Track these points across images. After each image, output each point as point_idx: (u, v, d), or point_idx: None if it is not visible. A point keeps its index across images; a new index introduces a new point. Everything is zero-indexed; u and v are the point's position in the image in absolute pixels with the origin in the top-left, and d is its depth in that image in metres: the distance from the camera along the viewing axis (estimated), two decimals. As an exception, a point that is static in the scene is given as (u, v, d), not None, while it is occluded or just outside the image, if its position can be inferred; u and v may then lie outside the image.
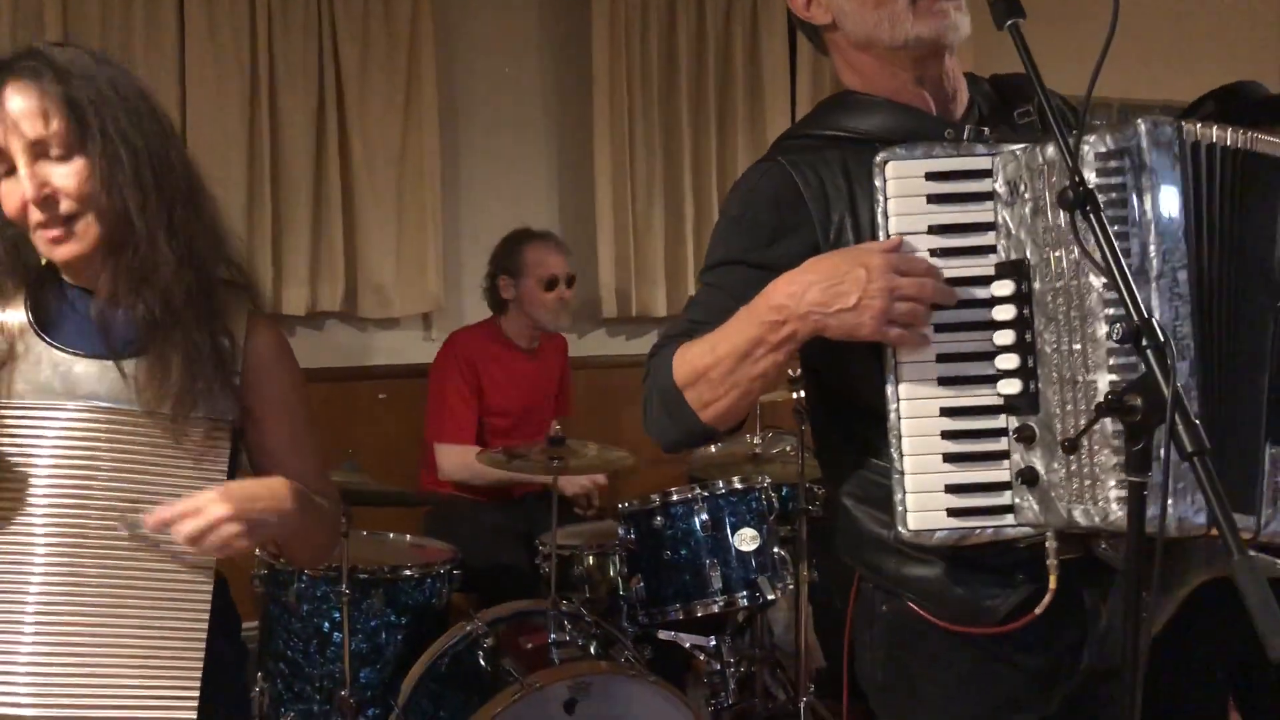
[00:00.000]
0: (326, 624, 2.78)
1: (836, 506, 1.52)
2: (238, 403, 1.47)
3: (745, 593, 2.86)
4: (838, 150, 1.43)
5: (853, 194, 1.40)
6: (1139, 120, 1.25)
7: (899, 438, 1.33)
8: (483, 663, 2.67)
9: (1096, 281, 1.24)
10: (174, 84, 3.60)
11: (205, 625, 1.42)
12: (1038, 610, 1.34)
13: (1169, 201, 1.24)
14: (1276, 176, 1.34)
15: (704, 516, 2.86)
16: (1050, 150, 1.28)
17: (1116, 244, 1.19)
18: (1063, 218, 1.25)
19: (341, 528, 1.66)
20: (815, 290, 1.30)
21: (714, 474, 3.34)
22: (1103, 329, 1.23)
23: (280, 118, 3.77)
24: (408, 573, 2.86)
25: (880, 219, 1.34)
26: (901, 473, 1.32)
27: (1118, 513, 1.21)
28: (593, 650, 2.70)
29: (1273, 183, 1.33)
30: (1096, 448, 1.23)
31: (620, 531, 2.94)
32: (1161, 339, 1.15)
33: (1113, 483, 1.22)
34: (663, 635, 2.92)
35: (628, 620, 2.91)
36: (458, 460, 3.45)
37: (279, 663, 2.82)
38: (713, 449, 3.64)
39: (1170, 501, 1.19)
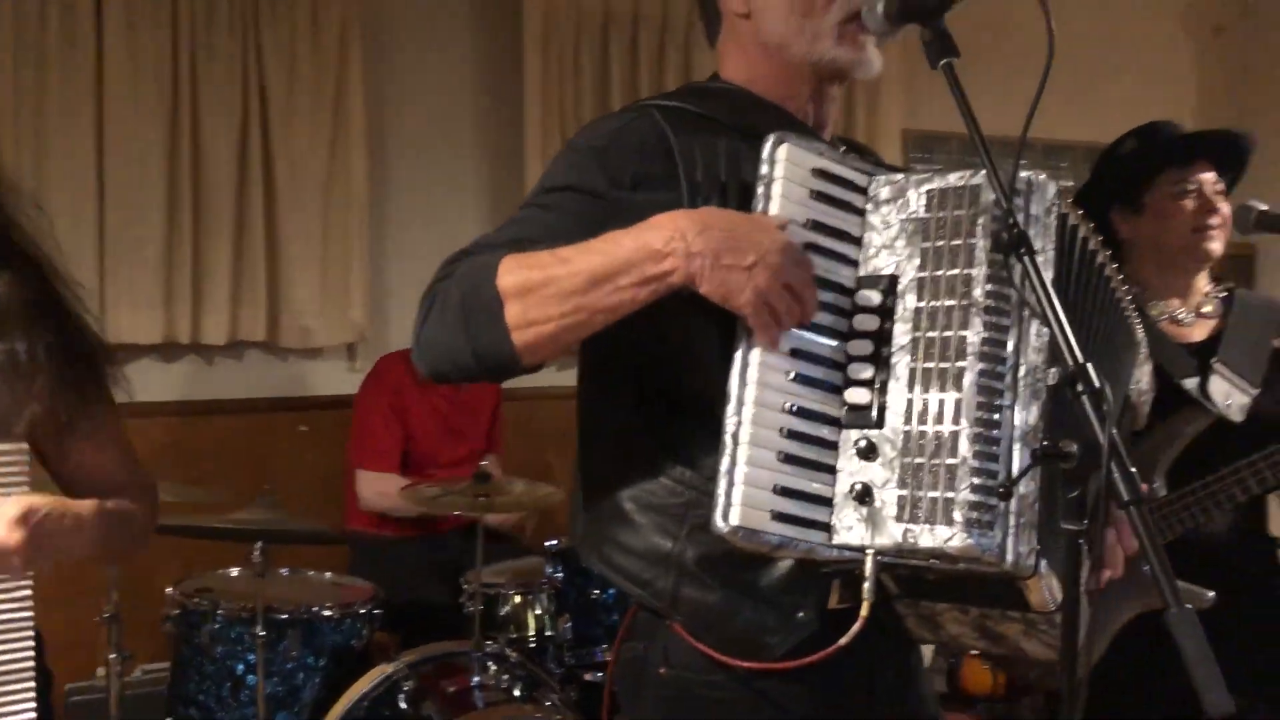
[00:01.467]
0: (240, 666, 2.68)
1: (609, 512, 1.36)
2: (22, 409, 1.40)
3: (675, 632, 2.81)
4: (712, 132, 1.35)
5: (724, 179, 1.33)
6: (1030, 174, 1.29)
7: (739, 424, 1.22)
8: (404, 706, 2.59)
9: (975, 305, 1.24)
10: (91, 107, 3.47)
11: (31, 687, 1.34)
12: (843, 640, 1.23)
13: (1044, 252, 1.28)
14: (1089, 238, 1.41)
15: (633, 554, 2.81)
16: (948, 179, 1.29)
17: (1000, 273, 1.23)
18: (946, 243, 1.26)
19: (153, 522, 1.59)
20: (714, 235, 1.20)
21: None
22: (973, 356, 1.23)
23: (202, 142, 3.66)
24: (327, 612, 2.77)
25: (761, 199, 1.27)
26: (734, 462, 1.21)
27: (959, 536, 1.17)
28: (517, 693, 2.64)
29: (1089, 244, 1.41)
30: (947, 469, 1.21)
31: (548, 570, 2.88)
32: (1097, 385, 1.14)
33: (960, 505, 1.18)
34: (589, 677, 2.86)
35: (554, 661, 2.85)
36: (379, 488, 3.37)
37: (189, 707, 2.71)
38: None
39: (1011, 536, 1.19)
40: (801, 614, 1.30)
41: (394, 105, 4.05)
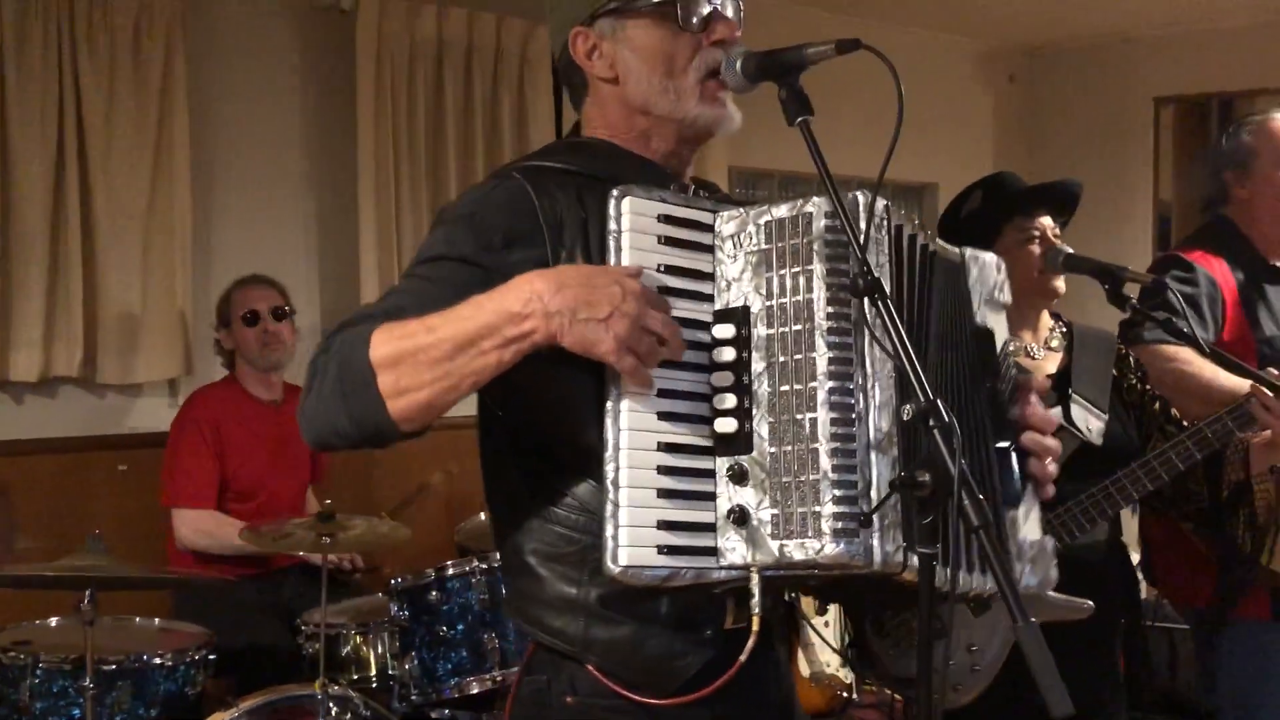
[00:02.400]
0: (65, 722, 2.54)
1: (517, 568, 1.43)
2: None
3: (523, 665, 2.81)
4: (577, 187, 1.41)
5: (587, 227, 1.38)
6: (857, 192, 1.36)
7: (617, 469, 1.29)
8: (244, 755, 2.51)
9: (820, 327, 1.30)
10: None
11: None
12: (742, 658, 1.31)
13: (879, 268, 1.33)
14: (957, 269, 1.49)
15: (480, 589, 2.81)
16: (780, 210, 1.35)
17: (839, 295, 1.29)
18: (788, 270, 1.33)
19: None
20: (569, 293, 1.25)
21: (484, 543, 3.28)
22: (824, 375, 1.29)
23: (13, 167, 3.47)
24: (157, 660, 2.68)
25: (613, 252, 1.33)
26: (617, 505, 1.28)
27: (830, 544, 1.25)
28: (363, 735, 2.59)
29: (956, 275, 1.49)
30: (814, 483, 1.28)
31: (392, 609, 2.85)
32: (946, 420, 1.24)
33: (827, 516, 1.26)
34: (435, 715, 2.83)
35: (399, 700, 2.81)
36: (197, 526, 3.25)
37: (7, 770, 2.55)
38: (482, 516, 3.58)
39: (876, 539, 1.26)
40: (709, 632, 1.38)
41: (220, 134, 3.94)
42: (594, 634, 1.37)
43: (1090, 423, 2.27)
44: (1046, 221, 2.35)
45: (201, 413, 3.36)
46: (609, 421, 1.30)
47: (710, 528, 1.32)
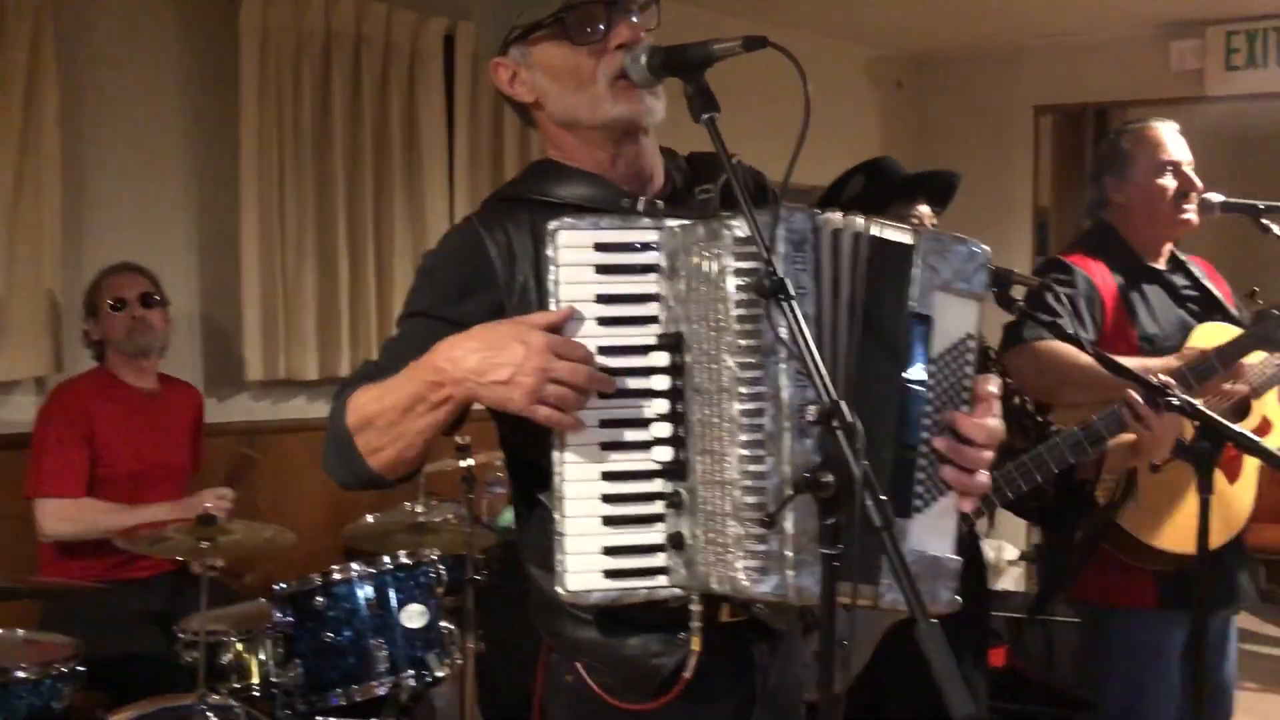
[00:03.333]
0: (-82, 742, 2.39)
1: (527, 575, 1.54)
2: None
3: (412, 671, 2.76)
4: (529, 213, 1.47)
5: (539, 255, 1.42)
6: (780, 207, 1.31)
7: (561, 499, 1.36)
8: (118, 770, 2.40)
9: (731, 360, 1.30)
10: None
11: None
12: (686, 674, 1.41)
13: (801, 282, 1.30)
14: (900, 256, 1.40)
15: (369, 594, 2.74)
16: (701, 229, 1.34)
17: (750, 324, 1.28)
18: (705, 295, 1.32)
19: None
20: (474, 358, 1.32)
21: (372, 545, 3.20)
22: (735, 404, 1.29)
23: None
24: (21, 674, 2.53)
25: (551, 286, 1.37)
26: (562, 534, 1.35)
27: (744, 582, 1.28)
28: (246, 746, 2.50)
29: (900, 264, 1.39)
30: (726, 519, 1.30)
31: (276, 614, 2.76)
32: (850, 420, 1.23)
33: (741, 553, 1.29)
34: (322, 722, 2.75)
35: (284, 709, 2.73)
36: (59, 514, 3.12)
37: None
38: (369, 519, 3.53)
39: (793, 573, 1.28)
40: (682, 634, 1.43)
41: (92, 123, 3.75)
42: (582, 634, 1.47)
43: None
44: (925, 210, 2.40)
45: (69, 401, 3.24)
46: (555, 453, 1.37)
47: (660, 548, 1.37)
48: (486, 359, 1.32)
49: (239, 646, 2.85)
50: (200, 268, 4.04)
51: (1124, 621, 2.58)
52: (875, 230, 1.40)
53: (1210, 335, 2.61)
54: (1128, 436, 2.30)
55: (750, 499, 1.28)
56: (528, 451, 1.46)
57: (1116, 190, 2.76)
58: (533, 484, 1.49)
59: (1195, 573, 2.11)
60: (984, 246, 1.45)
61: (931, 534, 1.39)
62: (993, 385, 1.44)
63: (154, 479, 3.29)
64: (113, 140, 3.81)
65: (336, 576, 2.77)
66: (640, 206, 1.44)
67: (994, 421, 1.43)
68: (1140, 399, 2.23)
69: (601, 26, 1.45)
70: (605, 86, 1.46)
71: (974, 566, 2.49)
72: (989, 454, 1.42)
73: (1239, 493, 2.64)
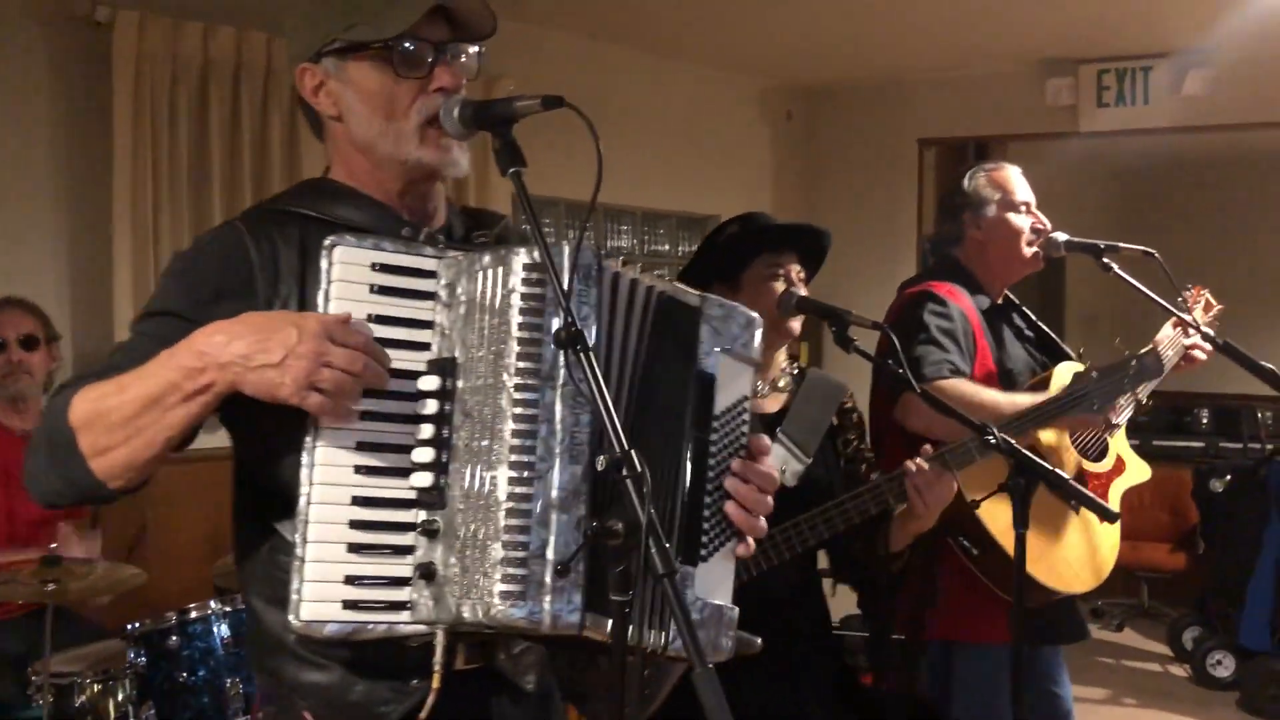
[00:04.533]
0: None
1: (247, 607, 1.47)
2: None
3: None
4: (299, 228, 1.42)
5: (304, 272, 1.39)
6: (565, 242, 1.35)
7: (305, 523, 1.30)
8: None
9: (509, 381, 1.29)
10: None
11: None
12: (422, 715, 1.35)
13: (584, 319, 1.31)
14: (688, 317, 1.45)
15: (225, 632, 2.71)
16: (487, 256, 1.35)
17: (531, 350, 1.28)
18: (487, 321, 1.32)
19: None
20: (242, 342, 1.26)
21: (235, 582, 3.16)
22: (509, 424, 1.29)
23: None
24: None
25: (322, 301, 1.33)
26: (302, 559, 1.29)
27: (499, 606, 1.26)
28: (94, 791, 2.45)
29: (684, 322, 1.45)
30: (486, 543, 1.28)
31: (130, 655, 2.71)
32: (639, 469, 1.26)
33: (499, 576, 1.26)
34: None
35: (136, 752, 2.68)
36: None
37: None
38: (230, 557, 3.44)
39: (549, 598, 1.27)
40: (415, 681, 1.38)
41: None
42: (306, 677, 1.40)
43: (790, 464, 2.35)
44: (794, 266, 2.43)
45: None
46: (303, 475, 1.31)
47: (404, 582, 1.32)
48: (256, 342, 1.25)
49: (95, 688, 2.79)
50: (73, 299, 3.94)
51: (978, 653, 2.63)
52: (663, 288, 1.44)
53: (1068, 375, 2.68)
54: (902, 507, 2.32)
55: (515, 520, 1.27)
56: (266, 474, 1.39)
57: (974, 227, 2.84)
58: (266, 510, 1.40)
59: (1015, 605, 2.18)
60: (756, 314, 1.52)
61: (717, 583, 1.43)
62: (765, 441, 1.50)
63: (25, 519, 3.20)
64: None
65: (193, 615, 2.73)
66: (421, 237, 1.43)
67: (773, 471, 1.49)
68: (915, 468, 2.26)
69: (429, 62, 1.44)
70: (415, 127, 1.45)
71: (814, 598, 2.53)
72: (770, 500, 1.47)
73: (1109, 537, 2.71)
